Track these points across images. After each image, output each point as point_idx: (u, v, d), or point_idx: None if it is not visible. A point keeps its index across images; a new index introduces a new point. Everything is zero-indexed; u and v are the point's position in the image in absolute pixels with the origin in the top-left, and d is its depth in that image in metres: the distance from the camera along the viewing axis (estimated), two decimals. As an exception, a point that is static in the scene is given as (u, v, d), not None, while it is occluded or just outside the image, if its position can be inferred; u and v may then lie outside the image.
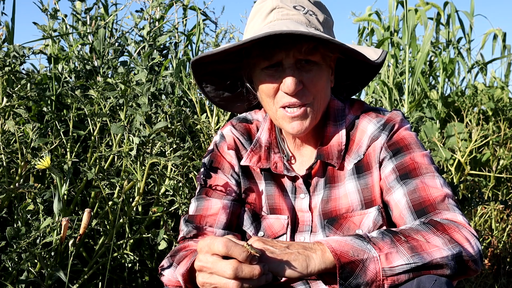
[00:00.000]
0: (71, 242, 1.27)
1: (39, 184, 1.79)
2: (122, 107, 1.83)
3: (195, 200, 1.32)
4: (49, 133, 1.97)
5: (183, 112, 1.87)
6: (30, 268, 1.64)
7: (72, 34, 2.62)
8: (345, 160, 1.26)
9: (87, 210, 1.32)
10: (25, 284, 1.61)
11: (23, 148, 1.69)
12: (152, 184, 2.00)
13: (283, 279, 1.00)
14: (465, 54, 4.42)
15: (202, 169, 1.35)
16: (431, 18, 4.28)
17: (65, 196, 1.76)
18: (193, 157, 1.91)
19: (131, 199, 1.91)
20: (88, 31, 2.55)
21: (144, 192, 1.96)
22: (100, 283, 1.97)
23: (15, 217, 1.68)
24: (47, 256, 1.61)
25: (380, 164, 1.23)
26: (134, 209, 1.91)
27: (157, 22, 2.66)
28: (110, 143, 1.97)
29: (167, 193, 1.91)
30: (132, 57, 2.54)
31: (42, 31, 2.24)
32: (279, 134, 1.34)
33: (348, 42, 1.23)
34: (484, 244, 2.80)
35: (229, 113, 2.04)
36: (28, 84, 2.03)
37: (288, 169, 1.29)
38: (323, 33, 1.16)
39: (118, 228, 1.81)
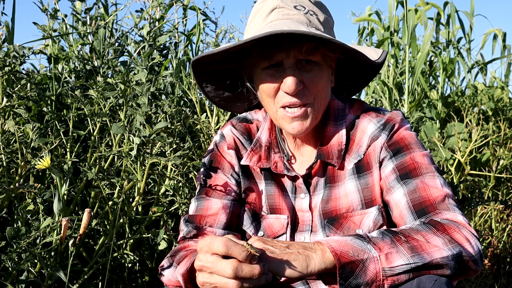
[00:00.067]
0: (71, 242, 1.27)
1: (39, 184, 1.79)
2: (122, 107, 1.83)
3: (195, 200, 1.32)
4: (49, 133, 1.97)
5: (183, 112, 1.87)
6: (30, 268, 1.64)
7: (72, 34, 2.62)
8: (345, 160, 1.26)
9: (87, 210, 1.32)
10: (25, 284, 1.61)
11: (23, 148, 1.69)
12: (152, 184, 2.00)
13: (283, 279, 1.00)
14: (465, 54, 4.42)
15: (202, 169, 1.35)
16: (431, 18, 4.28)
17: (65, 196, 1.76)
18: (193, 157, 1.91)
19: (131, 199, 1.91)
20: (88, 31, 2.55)
21: (144, 192, 1.96)
22: (100, 283, 1.97)
23: (15, 217, 1.68)
24: (47, 256, 1.61)
25: (380, 164, 1.23)
26: (134, 209, 1.91)
27: (157, 22, 2.66)
28: (110, 143, 1.97)
29: (167, 193, 1.91)
30: (132, 57, 2.54)
31: (42, 31, 2.24)
32: (279, 134, 1.34)
33: (348, 42, 1.23)
34: (484, 244, 2.80)
35: (229, 113, 2.04)
36: (28, 84, 2.03)
37: (288, 168, 1.29)
38: (323, 33, 1.16)
39: (118, 228, 1.81)
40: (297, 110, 1.19)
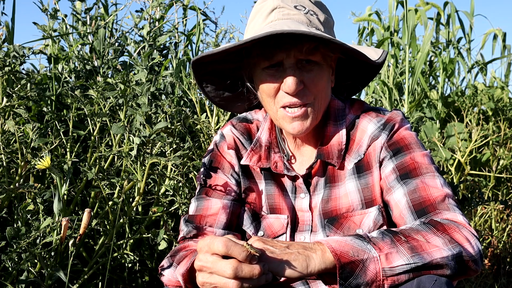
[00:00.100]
0: (71, 242, 1.27)
1: (39, 184, 1.79)
2: (122, 107, 1.83)
3: (195, 200, 1.32)
4: (49, 133, 1.97)
5: (183, 112, 1.87)
6: (30, 268, 1.64)
7: (72, 34, 2.62)
8: (345, 160, 1.26)
9: (87, 210, 1.32)
10: (25, 284, 1.61)
11: (23, 148, 1.69)
12: (152, 184, 2.00)
13: (283, 279, 1.00)
14: (465, 54, 4.42)
15: (202, 169, 1.35)
16: (431, 18, 4.28)
17: (65, 196, 1.76)
18: (193, 157, 1.91)
19: (131, 199, 1.91)
20: (88, 31, 2.55)
21: (144, 192, 1.96)
22: (100, 283, 1.97)
23: (15, 217, 1.68)
24: (47, 256, 1.61)
25: (380, 163, 1.23)
26: (134, 209, 1.91)
27: (157, 22, 2.66)
28: (110, 143, 1.97)
29: (167, 193, 1.91)
30: (132, 57, 2.54)
31: (42, 31, 2.24)
32: (279, 134, 1.34)
33: (348, 42, 1.23)
34: (484, 244, 2.80)
35: (229, 113, 2.04)
36: (28, 84, 2.03)
37: (288, 168, 1.29)
38: (324, 33, 1.16)
39: (118, 228, 1.81)
40: (297, 110, 1.19)
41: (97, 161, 1.93)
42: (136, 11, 2.67)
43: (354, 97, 1.43)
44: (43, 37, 2.31)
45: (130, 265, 2.07)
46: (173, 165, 1.83)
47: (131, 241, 1.95)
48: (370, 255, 0.98)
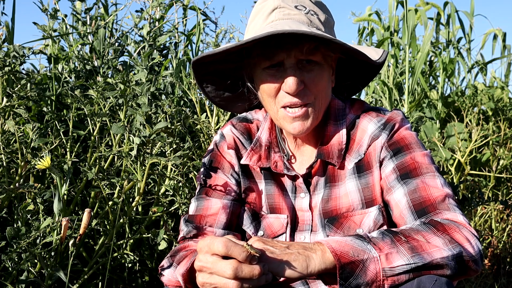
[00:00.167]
0: (71, 242, 1.27)
1: (39, 184, 1.79)
2: (122, 107, 1.83)
3: (195, 200, 1.32)
4: (49, 133, 1.97)
5: (183, 112, 1.87)
6: (30, 268, 1.64)
7: (72, 34, 2.62)
8: (345, 160, 1.26)
9: (87, 210, 1.32)
10: (25, 284, 1.61)
11: (23, 148, 1.69)
12: (152, 184, 2.00)
13: (282, 279, 1.00)
14: (465, 54, 4.42)
15: (202, 169, 1.35)
16: (431, 18, 4.28)
17: (65, 196, 1.76)
18: (193, 157, 1.91)
19: (131, 199, 1.91)
20: (88, 31, 2.55)
21: (144, 192, 1.96)
22: (100, 283, 1.97)
23: (15, 217, 1.68)
24: (47, 256, 1.61)
25: (381, 163, 1.23)
26: (134, 209, 1.91)
27: (157, 22, 2.66)
28: (110, 143, 1.97)
29: (167, 193, 1.91)
30: (132, 57, 2.54)
31: (42, 31, 2.24)
32: (279, 134, 1.34)
33: (348, 42, 1.23)
34: (484, 244, 2.80)
35: (229, 113, 2.04)
36: (28, 84, 2.03)
37: (288, 168, 1.29)
38: (324, 33, 1.16)
39: (118, 228, 1.81)
40: (298, 110, 1.19)
41: (97, 161, 1.93)
42: (136, 11, 2.67)
43: (354, 97, 1.43)
44: (43, 37, 2.31)
45: (130, 265, 2.07)
46: (173, 165, 1.83)
47: (131, 241, 1.95)
48: (370, 255, 0.98)
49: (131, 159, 1.67)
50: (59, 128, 1.92)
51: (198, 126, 2.07)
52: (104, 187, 1.81)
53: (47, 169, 1.36)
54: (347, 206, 1.24)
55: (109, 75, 2.47)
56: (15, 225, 1.64)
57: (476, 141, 2.73)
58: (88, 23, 2.61)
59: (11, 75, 1.83)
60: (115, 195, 1.81)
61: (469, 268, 1.03)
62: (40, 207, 1.61)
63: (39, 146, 1.76)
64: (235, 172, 1.33)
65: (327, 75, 1.22)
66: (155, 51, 2.48)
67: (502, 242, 2.85)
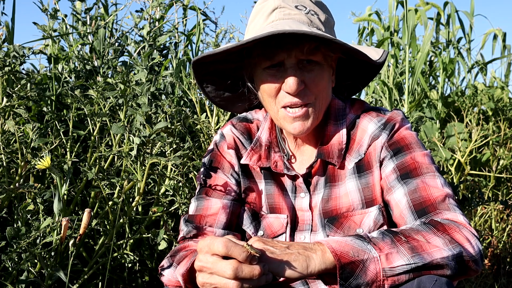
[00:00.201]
0: (71, 242, 1.27)
1: (39, 184, 1.79)
2: (122, 107, 1.83)
3: (195, 200, 1.32)
4: (49, 133, 1.97)
5: (183, 112, 1.87)
6: (30, 268, 1.64)
7: (72, 34, 2.62)
8: (345, 159, 1.26)
9: (87, 210, 1.32)
10: (25, 284, 1.61)
11: (23, 148, 1.69)
12: (152, 184, 2.00)
13: (282, 278, 1.00)
14: (465, 54, 4.42)
15: (202, 169, 1.35)
16: (431, 18, 4.28)
17: (65, 196, 1.76)
18: (193, 157, 1.91)
19: (131, 199, 1.91)
20: (88, 31, 2.55)
21: (144, 192, 1.96)
22: (100, 283, 1.97)
23: (15, 217, 1.68)
24: (47, 256, 1.61)
25: (381, 163, 1.23)
26: (134, 209, 1.91)
27: (157, 22, 2.66)
28: (110, 143, 1.97)
29: (167, 193, 1.91)
30: (132, 57, 2.54)
31: (42, 31, 2.24)
32: (279, 134, 1.34)
33: (348, 42, 1.23)
34: (484, 244, 2.80)
35: (229, 113, 2.04)
36: (28, 84, 2.03)
37: (288, 168, 1.29)
38: (325, 33, 1.16)
39: (118, 228, 1.81)
40: (298, 110, 1.19)
41: (97, 161, 1.93)
42: (136, 11, 2.67)
43: (354, 97, 1.43)
44: (43, 37, 2.31)
45: (130, 265, 2.07)
46: (173, 165, 1.83)
47: (131, 241, 1.95)
48: (370, 255, 0.98)
49: (131, 159, 1.67)
50: (59, 128, 1.92)
51: (198, 126, 2.07)
52: (104, 187, 1.81)
53: (47, 169, 1.36)
54: (347, 206, 1.24)
55: (109, 75, 2.47)
56: (15, 225, 1.64)
57: (476, 141, 2.73)
58: (88, 23, 2.61)
59: (11, 75, 1.83)
60: (115, 195, 1.81)
61: (469, 268, 1.03)
62: (40, 207, 1.61)
63: (39, 146, 1.76)
64: (235, 172, 1.33)
65: (327, 75, 1.22)
66: (155, 51, 2.48)
67: (502, 242, 2.85)
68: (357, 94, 2.64)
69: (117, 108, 1.94)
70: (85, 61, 2.43)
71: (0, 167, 1.79)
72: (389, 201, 1.20)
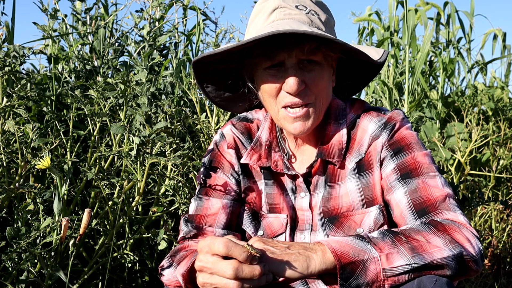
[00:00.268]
0: (71, 242, 1.27)
1: (39, 184, 1.79)
2: (122, 107, 1.83)
3: (195, 199, 1.32)
4: (49, 133, 1.97)
5: (183, 112, 1.87)
6: (30, 268, 1.64)
7: (72, 34, 2.62)
8: (346, 159, 1.26)
9: (87, 210, 1.32)
10: (25, 284, 1.61)
11: (23, 148, 1.69)
12: (152, 184, 2.00)
13: (282, 278, 1.00)
14: (465, 54, 4.42)
15: (202, 169, 1.35)
16: (431, 18, 4.28)
17: (65, 196, 1.76)
18: (193, 157, 1.91)
19: (131, 199, 1.90)
20: (88, 31, 2.55)
21: (144, 192, 1.95)
22: (100, 283, 1.97)
23: (15, 217, 1.68)
24: (47, 256, 1.61)
25: (381, 163, 1.23)
26: (134, 209, 1.91)
27: (157, 22, 2.66)
28: (110, 143, 1.97)
29: (167, 193, 1.91)
30: (132, 57, 2.54)
31: (42, 31, 2.24)
32: (279, 133, 1.34)
33: (348, 42, 1.23)
34: (484, 244, 2.80)
35: (229, 113, 2.04)
36: (28, 84, 2.03)
37: (288, 167, 1.29)
38: (325, 33, 1.16)
39: (118, 228, 1.81)
40: (298, 110, 1.19)
41: (97, 161, 1.93)
42: (136, 11, 2.67)
43: (354, 96, 1.43)
44: (43, 37, 2.31)
45: (130, 265, 2.07)
46: (173, 165, 1.83)
47: (131, 241, 1.95)
48: (370, 256, 0.98)
49: (131, 159, 1.67)
50: (59, 128, 1.92)
51: (198, 126, 2.07)
52: (104, 187, 1.80)
53: (47, 169, 1.36)
54: (347, 205, 1.24)
55: (109, 75, 2.47)
56: (15, 225, 1.64)
57: (476, 141, 2.73)
58: (88, 23, 2.61)
59: (11, 75, 1.83)
60: (115, 195, 1.81)
61: (470, 268, 1.03)
62: (40, 207, 1.61)
63: (39, 146, 1.76)
64: (235, 172, 1.33)
65: (327, 75, 1.22)
66: (155, 51, 2.48)
67: (502, 242, 2.85)
68: (357, 94, 2.64)
69: (117, 108, 1.94)
70: (85, 61, 2.43)
71: (0, 167, 1.79)
72: (390, 201, 1.20)
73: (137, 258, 2.03)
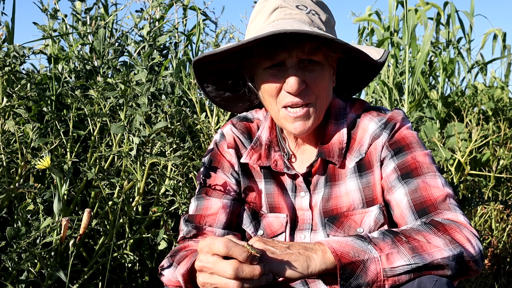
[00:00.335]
0: (71, 242, 1.27)
1: (39, 184, 1.79)
2: (122, 107, 1.83)
3: (195, 199, 1.32)
4: (49, 133, 1.97)
5: (183, 112, 1.87)
6: (30, 268, 1.64)
7: (72, 34, 2.62)
8: (346, 159, 1.26)
9: (87, 210, 1.32)
10: (25, 284, 1.61)
11: (23, 148, 1.69)
12: (152, 184, 2.00)
13: (281, 278, 1.00)
14: (465, 54, 4.42)
15: (202, 169, 1.35)
16: (431, 18, 4.28)
17: (65, 196, 1.76)
18: (193, 157, 1.91)
19: (131, 199, 1.90)
20: (88, 31, 2.55)
21: (144, 192, 1.95)
22: (100, 283, 1.97)
23: (15, 217, 1.67)
24: (47, 256, 1.61)
25: (381, 163, 1.23)
26: (134, 209, 1.91)
27: (157, 22, 2.66)
28: (110, 143, 1.97)
29: (167, 193, 1.91)
30: (132, 57, 2.54)
31: (42, 31, 2.24)
32: (279, 133, 1.34)
33: (348, 42, 1.23)
34: (484, 244, 2.80)
35: (229, 112, 2.04)
36: (28, 84, 2.03)
37: (288, 167, 1.29)
38: (326, 33, 1.16)
39: (118, 228, 1.81)
40: (299, 110, 1.19)
41: (97, 161, 1.93)
42: (136, 11, 2.67)
43: (354, 96, 1.43)
44: (43, 37, 2.31)
45: (130, 265, 2.07)
46: (173, 165, 1.82)
47: (131, 241, 1.95)
48: (370, 256, 0.98)
49: (131, 159, 1.66)
50: (59, 128, 1.92)
51: (198, 126, 2.07)
52: (104, 187, 1.80)
53: (47, 169, 1.35)
54: (347, 205, 1.24)
55: (109, 75, 2.47)
56: (15, 225, 1.64)
57: (476, 141, 2.73)
58: (88, 23, 2.61)
59: (11, 75, 1.83)
60: (115, 195, 1.81)
61: (470, 269, 1.03)
62: (40, 207, 1.61)
63: (39, 146, 1.76)
64: (235, 172, 1.33)
65: (328, 75, 1.22)
66: (155, 51, 2.48)
67: (502, 242, 2.85)
68: (358, 94, 2.64)
69: (117, 108, 1.94)
70: (85, 61, 2.43)
71: (0, 167, 1.79)
72: (390, 201, 1.20)
73: (137, 258, 2.03)
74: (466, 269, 1.03)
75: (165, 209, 1.84)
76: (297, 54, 1.16)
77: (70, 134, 1.95)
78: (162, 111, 1.79)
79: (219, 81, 1.34)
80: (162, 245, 1.90)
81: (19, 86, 1.85)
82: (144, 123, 1.61)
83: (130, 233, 1.91)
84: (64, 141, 1.92)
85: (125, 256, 1.99)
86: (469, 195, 2.09)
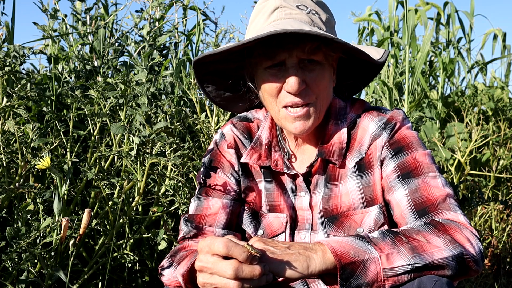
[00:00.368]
0: (71, 242, 1.27)
1: (39, 184, 1.79)
2: (122, 107, 1.83)
3: (195, 199, 1.32)
4: (49, 133, 1.97)
5: (183, 112, 1.87)
6: (30, 268, 1.64)
7: (72, 34, 2.62)
8: (346, 159, 1.26)
9: (87, 210, 1.32)
10: (25, 284, 1.61)
11: (23, 148, 1.69)
12: (152, 184, 2.00)
13: (281, 278, 1.00)
14: (465, 54, 4.42)
15: (202, 168, 1.35)
16: (431, 18, 4.28)
17: (65, 196, 1.76)
18: (193, 157, 1.91)
19: (131, 199, 1.90)
20: (88, 31, 2.55)
21: (144, 192, 1.95)
22: (100, 283, 1.97)
23: (15, 217, 1.67)
24: (47, 256, 1.61)
25: (382, 162, 1.23)
26: (134, 209, 1.91)
27: (157, 22, 2.66)
28: (110, 143, 1.97)
29: (167, 193, 1.91)
30: (132, 57, 2.54)
31: (42, 31, 2.24)
32: (280, 133, 1.34)
33: (348, 42, 1.23)
34: (484, 244, 2.80)
35: (229, 112, 2.04)
36: (28, 84, 2.03)
37: (288, 167, 1.29)
38: (326, 33, 1.16)
39: (118, 228, 1.81)
40: (299, 110, 1.19)
41: (97, 161, 1.93)
42: (136, 11, 2.67)
43: (354, 96, 1.43)
44: (43, 37, 2.31)
45: (130, 265, 2.07)
46: (173, 165, 1.82)
47: (131, 241, 1.95)
48: (371, 256, 0.98)
49: (131, 159, 1.66)
50: (59, 128, 1.92)
51: (198, 126, 2.07)
52: (104, 187, 1.80)
53: (47, 169, 1.35)
54: (347, 205, 1.24)
55: (109, 75, 2.47)
56: (15, 225, 1.64)
57: (476, 141, 2.73)
58: (88, 23, 2.61)
59: (11, 75, 1.83)
60: (115, 195, 1.81)
61: (470, 269, 1.03)
62: (40, 207, 1.61)
63: (39, 146, 1.76)
64: (235, 171, 1.33)
65: (328, 75, 1.22)
66: (155, 51, 2.48)
67: (502, 242, 2.85)
68: (358, 93, 2.64)
69: (117, 108, 1.94)
70: (85, 61, 2.43)
71: (0, 167, 1.79)
72: (390, 201, 1.20)
73: (137, 258, 2.03)
74: (466, 269, 1.03)
75: (165, 209, 1.84)
76: (297, 54, 1.16)
77: (70, 134, 1.95)
78: (162, 111, 1.79)
79: (219, 81, 1.34)
80: (162, 245, 1.90)
81: (19, 86, 1.85)
82: (144, 123, 1.61)
83: (130, 233, 1.91)
84: (64, 141, 1.92)
85: (125, 256, 1.99)
86: (469, 195, 2.09)
